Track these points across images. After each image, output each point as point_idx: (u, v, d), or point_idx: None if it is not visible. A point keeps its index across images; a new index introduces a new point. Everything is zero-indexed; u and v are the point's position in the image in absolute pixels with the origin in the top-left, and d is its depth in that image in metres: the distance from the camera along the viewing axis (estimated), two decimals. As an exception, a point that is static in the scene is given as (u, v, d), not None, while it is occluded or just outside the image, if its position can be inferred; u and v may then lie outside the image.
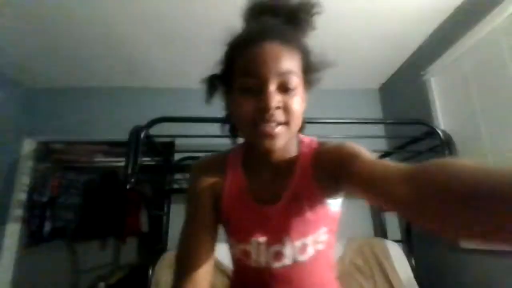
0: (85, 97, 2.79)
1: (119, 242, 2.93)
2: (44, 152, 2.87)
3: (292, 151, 0.71)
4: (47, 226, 2.62)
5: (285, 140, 0.61)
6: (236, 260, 0.77)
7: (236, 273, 0.80)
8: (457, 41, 1.88)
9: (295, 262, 0.68)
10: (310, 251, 0.68)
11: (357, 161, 0.55)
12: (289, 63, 0.59)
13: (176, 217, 2.41)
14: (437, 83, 2.12)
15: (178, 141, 2.56)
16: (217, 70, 0.68)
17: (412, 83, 2.40)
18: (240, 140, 0.76)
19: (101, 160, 2.86)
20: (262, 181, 0.70)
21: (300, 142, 0.72)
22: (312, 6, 0.65)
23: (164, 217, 2.41)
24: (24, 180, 2.64)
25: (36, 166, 2.76)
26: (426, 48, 2.25)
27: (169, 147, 2.50)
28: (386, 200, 0.46)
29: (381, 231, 2.51)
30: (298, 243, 0.67)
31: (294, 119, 0.60)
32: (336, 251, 2.09)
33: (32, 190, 2.67)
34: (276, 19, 0.64)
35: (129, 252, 2.99)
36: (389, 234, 2.47)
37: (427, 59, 2.18)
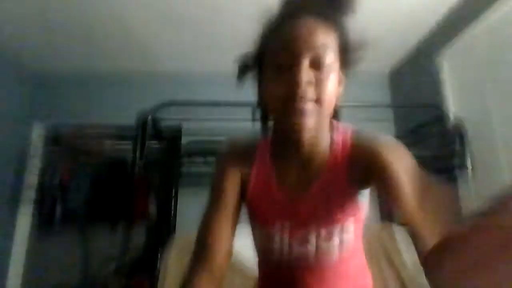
0: (94, 82, 2.79)
1: (129, 225, 2.98)
2: (54, 137, 2.90)
3: (325, 139, 0.67)
4: (58, 209, 2.67)
5: (316, 120, 0.57)
6: (260, 252, 0.76)
7: (261, 271, 0.80)
8: (471, 24, 1.82)
9: (319, 250, 0.66)
10: (336, 241, 0.66)
11: (394, 187, 0.56)
12: (324, 38, 0.56)
13: (185, 201, 2.44)
14: (449, 67, 2.06)
15: (186, 125, 2.56)
16: (250, 50, 0.65)
17: (423, 67, 2.35)
18: (269, 127, 0.73)
19: (110, 143, 2.88)
20: (291, 169, 0.68)
21: (334, 129, 0.68)
22: None
23: (172, 201, 2.44)
24: (34, 164, 2.69)
25: (46, 151, 2.80)
26: (438, 31, 2.18)
27: (176, 131, 2.51)
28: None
29: (387, 215, 2.51)
30: (323, 232, 0.66)
31: (326, 97, 0.56)
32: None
33: (43, 174, 2.72)
34: None
35: (139, 235, 3.04)
36: (395, 218, 2.47)
37: (440, 42, 2.12)
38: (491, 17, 1.68)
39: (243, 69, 0.66)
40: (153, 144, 1.77)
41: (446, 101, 2.06)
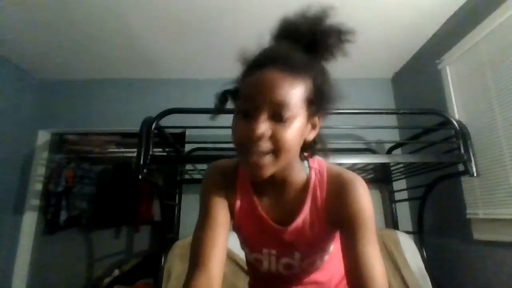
0: (98, 88, 2.82)
1: (133, 230, 2.99)
2: (59, 143, 2.93)
3: (300, 174, 0.71)
4: (63, 215, 2.69)
5: (273, 170, 0.60)
6: (249, 263, 0.87)
7: (250, 271, 0.93)
8: (473, 29, 1.82)
9: (303, 271, 0.77)
10: (319, 264, 0.76)
11: (359, 237, 0.62)
12: (287, 92, 0.56)
13: (188, 206, 2.45)
14: (452, 72, 2.06)
15: (189, 132, 2.58)
16: (230, 86, 0.68)
17: (426, 72, 2.35)
18: None
19: (114, 150, 2.91)
20: (272, 201, 0.73)
21: (310, 168, 0.72)
22: (342, 33, 0.61)
23: (176, 207, 2.44)
24: (39, 170, 2.72)
25: (51, 157, 2.83)
26: (441, 36, 2.19)
27: (180, 138, 2.53)
28: None
29: (392, 222, 2.50)
30: (307, 260, 0.74)
31: (283, 149, 0.58)
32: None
33: (48, 180, 2.74)
34: (295, 44, 0.61)
35: (142, 240, 3.05)
36: (400, 225, 2.46)
37: (442, 47, 2.12)
38: (494, 22, 1.68)
39: (221, 101, 0.69)
40: (157, 150, 1.78)
41: (450, 106, 2.05)
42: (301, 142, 0.63)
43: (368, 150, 2.60)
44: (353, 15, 2.03)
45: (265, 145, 0.57)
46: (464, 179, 1.91)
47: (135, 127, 1.70)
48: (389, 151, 2.53)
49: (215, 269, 0.65)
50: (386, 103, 2.84)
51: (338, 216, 0.66)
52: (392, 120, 2.72)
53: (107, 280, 2.54)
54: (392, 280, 1.90)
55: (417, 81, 2.51)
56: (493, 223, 1.72)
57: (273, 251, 0.74)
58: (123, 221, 2.89)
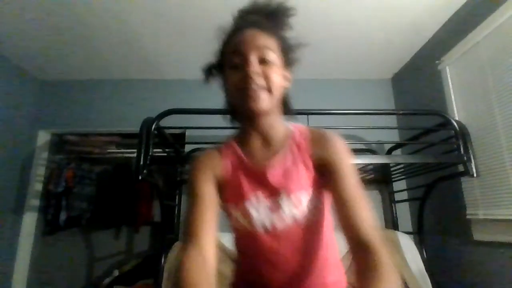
0: (98, 88, 2.83)
1: (133, 231, 2.99)
2: (59, 144, 2.93)
3: (281, 125, 0.83)
4: (63, 216, 2.68)
5: (268, 104, 0.73)
6: (238, 236, 0.84)
7: (240, 253, 0.87)
8: (473, 29, 1.82)
9: (294, 221, 0.76)
10: (304, 206, 0.76)
11: (344, 181, 0.72)
12: (266, 41, 0.73)
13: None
14: (452, 72, 2.06)
15: (189, 133, 2.58)
16: (213, 59, 0.83)
17: (426, 72, 2.35)
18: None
19: (114, 151, 2.90)
20: (256, 149, 0.81)
21: (291, 126, 0.85)
22: (287, 9, 0.79)
23: (176, 207, 2.44)
24: (39, 171, 2.72)
25: (51, 158, 2.83)
26: (441, 37, 2.19)
27: (179, 139, 2.53)
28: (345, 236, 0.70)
29: (392, 223, 2.50)
30: (293, 197, 0.75)
31: (273, 86, 0.72)
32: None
33: (48, 180, 2.74)
34: (258, 16, 0.78)
35: (142, 241, 3.05)
36: (400, 225, 2.46)
37: (442, 47, 2.12)
38: (494, 23, 1.68)
39: (207, 73, 0.84)
40: (157, 151, 1.78)
41: (450, 106, 2.05)
42: (282, 87, 0.77)
43: (368, 151, 2.61)
44: (353, 15, 2.04)
45: (261, 81, 0.71)
46: (464, 179, 1.91)
47: (135, 128, 1.70)
48: (389, 152, 2.53)
49: (207, 243, 0.70)
50: (386, 103, 2.84)
51: (324, 162, 0.76)
52: (392, 120, 2.72)
53: (107, 280, 2.54)
54: (392, 280, 1.90)
55: (417, 81, 2.51)
56: (493, 224, 1.72)
57: (260, 193, 0.77)
58: (123, 222, 2.88)
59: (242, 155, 0.81)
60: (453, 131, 1.79)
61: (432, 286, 1.91)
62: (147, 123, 1.66)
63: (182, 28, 2.11)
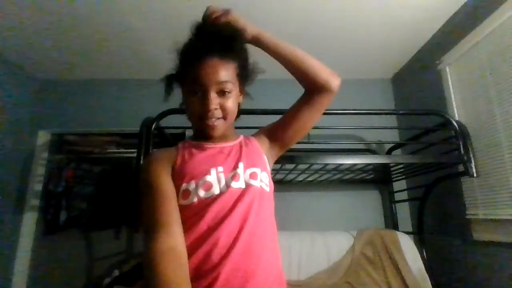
0: (99, 88, 2.83)
1: (132, 231, 2.98)
2: (58, 144, 2.93)
3: (233, 134, 0.96)
4: (63, 216, 2.68)
5: (223, 129, 0.86)
6: (195, 207, 0.77)
7: (195, 227, 0.76)
8: (473, 29, 1.82)
9: (247, 186, 0.81)
10: (258, 182, 0.83)
11: (269, 127, 1.01)
12: (225, 73, 0.81)
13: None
14: (452, 72, 2.06)
15: (189, 133, 2.58)
16: (172, 70, 0.92)
17: (426, 72, 2.35)
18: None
19: (114, 151, 2.90)
20: (212, 141, 0.90)
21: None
22: (239, 33, 0.84)
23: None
24: (39, 171, 2.72)
25: (50, 157, 2.82)
26: (441, 37, 2.19)
27: (180, 139, 2.52)
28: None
29: (392, 223, 2.50)
30: (248, 170, 0.83)
31: (229, 114, 0.85)
32: (346, 242, 2.09)
33: (47, 180, 2.73)
34: (218, 40, 0.81)
35: (142, 241, 3.05)
36: (400, 225, 2.46)
37: (442, 47, 2.12)
38: (494, 23, 1.68)
39: (168, 85, 0.92)
40: (157, 150, 1.79)
41: (450, 106, 2.05)
42: (235, 112, 0.88)
43: (368, 151, 2.61)
44: (353, 16, 2.04)
45: (217, 114, 0.83)
46: (464, 179, 1.91)
47: (135, 128, 1.70)
48: (389, 152, 2.53)
49: (177, 231, 0.71)
50: (386, 103, 2.84)
51: (267, 146, 0.98)
52: (392, 120, 2.72)
53: (107, 280, 2.53)
54: (392, 280, 1.91)
55: (417, 81, 2.51)
56: (493, 224, 1.72)
57: (220, 168, 0.82)
58: (123, 222, 2.88)
59: (199, 142, 0.90)
60: (453, 131, 1.79)
61: (432, 286, 1.91)
62: (147, 122, 1.66)
63: (182, 27, 2.11)
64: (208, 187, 0.78)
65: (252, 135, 1.01)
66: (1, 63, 2.41)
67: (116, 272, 2.62)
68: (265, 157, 0.93)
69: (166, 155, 0.87)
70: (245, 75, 0.88)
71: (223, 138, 0.91)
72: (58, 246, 2.85)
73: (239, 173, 0.82)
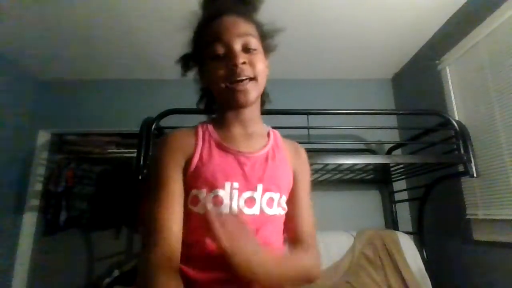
0: (98, 89, 2.83)
1: (132, 231, 2.98)
2: (59, 144, 2.93)
3: (262, 124, 0.82)
4: (63, 216, 2.68)
5: (256, 95, 0.71)
6: (203, 220, 0.67)
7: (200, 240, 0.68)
8: (473, 29, 1.82)
9: (262, 214, 0.71)
10: (275, 209, 0.73)
11: (304, 192, 0.80)
12: (247, 28, 0.70)
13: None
14: (452, 72, 2.06)
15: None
16: (188, 50, 0.79)
17: (426, 72, 2.35)
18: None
19: (114, 151, 2.90)
20: (236, 137, 0.75)
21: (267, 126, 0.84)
22: None
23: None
24: (39, 171, 2.72)
25: (51, 158, 2.82)
26: (441, 37, 2.19)
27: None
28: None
29: (392, 223, 2.50)
30: (267, 194, 0.72)
31: (259, 74, 0.69)
32: (346, 242, 2.09)
33: (48, 180, 2.73)
34: (231, 0, 0.73)
35: (140, 241, 3.05)
36: (400, 225, 2.46)
37: (442, 47, 2.12)
38: (494, 23, 1.68)
39: (185, 65, 0.80)
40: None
41: (450, 106, 2.05)
42: (266, 76, 0.74)
43: (368, 151, 2.61)
44: (353, 16, 2.04)
45: (247, 71, 0.67)
46: (464, 179, 1.91)
47: (135, 128, 1.70)
48: (389, 152, 2.53)
49: (176, 241, 0.65)
50: (386, 103, 2.84)
51: (296, 165, 0.80)
52: (392, 120, 2.72)
53: (107, 280, 2.54)
54: (392, 280, 1.90)
55: (417, 81, 2.51)
56: (493, 224, 1.72)
57: (236, 184, 0.69)
58: (123, 222, 2.88)
59: (220, 139, 0.74)
60: (453, 131, 1.79)
61: (432, 285, 1.91)
62: (147, 123, 1.66)
63: (182, 27, 2.11)
64: (219, 202, 0.68)
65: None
66: (1, 62, 2.41)
67: (116, 272, 2.62)
68: (292, 172, 0.79)
69: (183, 144, 0.73)
70: (267, 37, 0.76)
71: (250, 125, 0.77)
72: (58, 246, 2.85)
73: (255, 197, 0.70)
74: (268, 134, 0.81)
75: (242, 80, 0.67)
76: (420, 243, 2.18)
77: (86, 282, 2.86)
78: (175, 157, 0.71)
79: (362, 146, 2.63)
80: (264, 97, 0.81)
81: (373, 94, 2.86)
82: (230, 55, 0.67)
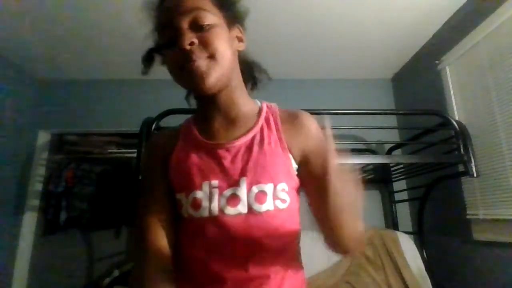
0: (98, 88, 2.83)
1: (132, 231, 2.98)
2: (58, 144, 2.93)
3: (251, 104, 0.72)
4: (63, 216, 2.68)
5: (217, 75, 0.60)
6: (186, 227, 0.66)
7: (185, 248, 0.66)
8: (473, 29, 1.82)
9: (251, 212, 0.61)
10: (269, 204, 0.62)
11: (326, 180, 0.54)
12: (194, 2, 0.60)
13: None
14: (452, 72, 2.06)
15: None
16: (151, 44, 0.71)
17: (426, 72, 2.35)
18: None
19: (114, 151, 2.90)
20: (217, 128, 0.68)
21: (261, 103, 0.74)
22: None
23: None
24: (39, 171, 2.72)
25: (50, 158, 2.82)
26: (441, 37, 2.19)
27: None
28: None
29: (392, 223, 2.50)
30: (255, 188, 0.61)
31: (218, 53, 0.60)
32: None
33: (48, 181, 2.74)
34: None
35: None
36: (400, 225, 2.46)
37: (442, 47, 2.12)
38: (493, 23, 1.68)
39: (147, 60, 0.72)
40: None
41: (450, 106, 2.05)
42: (234, 52, 0.65)
43: (368, 151, 2.60)
44: (353, 16, 2.04)
45: (199, 52, 0.59)
46: (464, 179, 1.91)
47: (135, 128, 1.70)
48: (389, 152, 2.53)
49: (164, 251, 0.62)
50: (386, 103, 2.84)
51: (300, 144, 0.66)
52: (392, 120, 2.72)
53: (107, 280, 2.54)
54: (392, 280, 1.90)
55: (417, 81, 2.51)
56: (493, 224, 1.72)
57: (214, 182, 0.62)
58: (123, 222, 2.88)
59: (197, 134, 0.68)
60: (453, 131, 1.79)
61: (432, 285, 1.91)
62: (147, 123, 1.66)
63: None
64: (197, 205, 0.62)
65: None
66: (1, 63, 2.41)
67: (116, 272, 2.62)
68: (290, 156, 0.66)
69: (164, 147, 0.70)
70: (230, 5, 0.66)
71: (232, 110, 0.68)
72: (58, 246, 2.85)
73: (239, 194, 0.61)
74: (260, 113, 0.70)
75: (194, 62, 0.58)
76: (420, 243, 2.18)
77: (86, 282, 2.86)
78: (154, 163, 0.69)
79: (362, 146, 2.62)
80: (251, 70, 0.74)
81: (373, 94, 2.86)
82: (178, 39, 0.59)
